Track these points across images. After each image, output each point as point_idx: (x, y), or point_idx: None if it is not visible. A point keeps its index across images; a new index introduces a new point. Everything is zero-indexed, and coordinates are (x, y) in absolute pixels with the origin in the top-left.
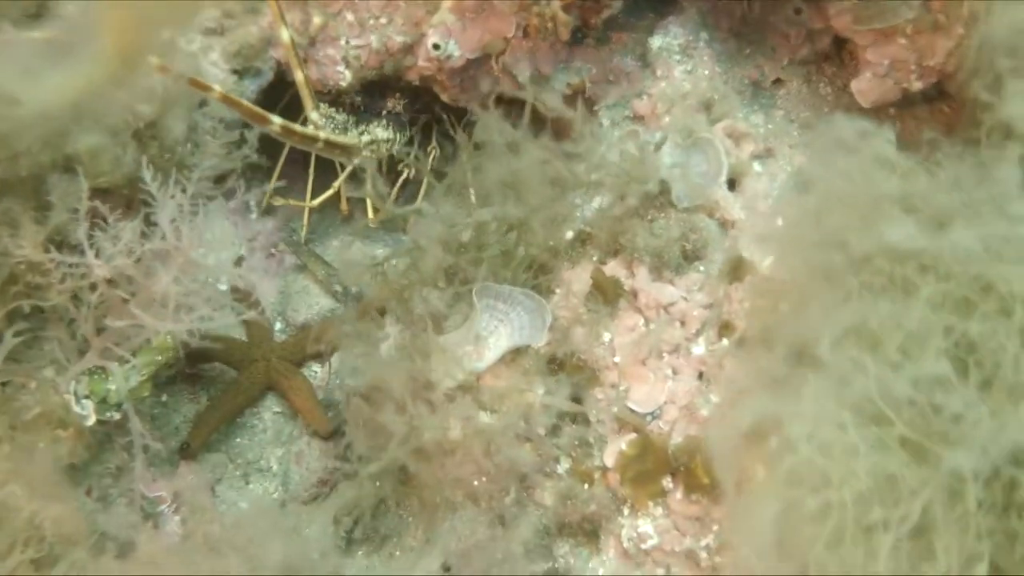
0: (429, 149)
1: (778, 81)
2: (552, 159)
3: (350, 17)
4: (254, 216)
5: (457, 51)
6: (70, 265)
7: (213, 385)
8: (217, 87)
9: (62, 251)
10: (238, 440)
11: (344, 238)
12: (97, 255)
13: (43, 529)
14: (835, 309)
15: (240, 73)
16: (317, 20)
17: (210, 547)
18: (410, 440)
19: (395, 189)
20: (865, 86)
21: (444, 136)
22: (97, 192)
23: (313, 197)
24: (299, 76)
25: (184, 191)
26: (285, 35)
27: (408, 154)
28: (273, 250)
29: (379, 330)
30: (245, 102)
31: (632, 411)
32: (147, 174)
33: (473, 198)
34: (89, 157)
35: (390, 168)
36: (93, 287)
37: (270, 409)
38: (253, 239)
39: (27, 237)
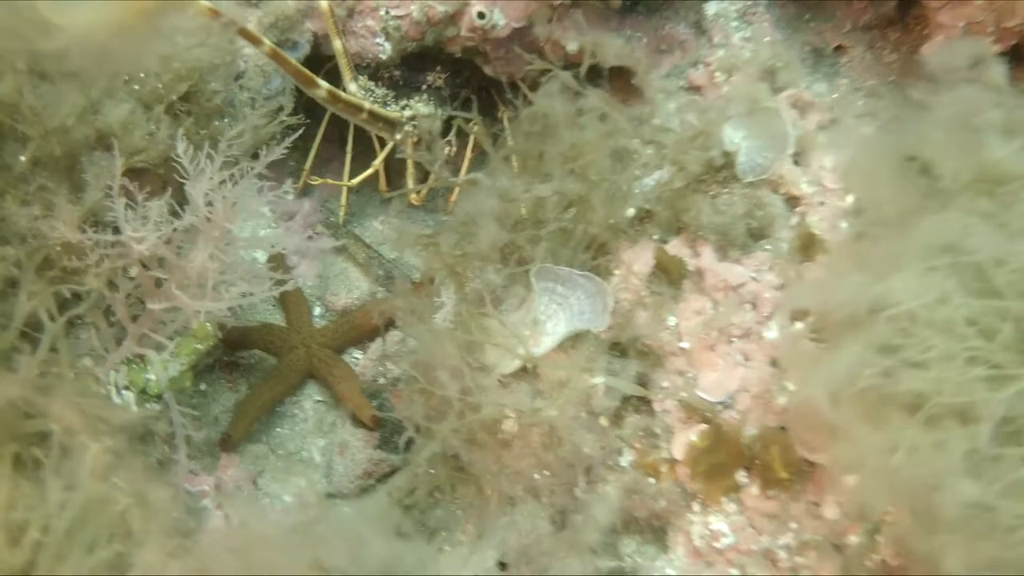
0: (471, 125)
1: (840, 48)
2: (615, 126)
3: None
4: (291, 196)
5: (502, 20)
6: (107, 245)
7: (252, 373)
8: (267, 40)
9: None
10: (278, 430)
11: (385, 219)
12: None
13: (131, 523)
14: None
15: (276, 45)
16: None
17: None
18: (465, 416)
19: (436, 165)
20: (935, 50)
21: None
22: (130, 172)
23: (351, 176)
24: (337, 45)
25: (214, 162)
26: (324, 3)
27: (449, 129)
28: (310, 231)
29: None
30: (293, 60)
31: (702, 399)
32: (180, 146)
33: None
34: (123, 130)
35: (430, 144)
36: (128, 269)
37: (311, 397)
38: (290, 219)
39: (63, 217)
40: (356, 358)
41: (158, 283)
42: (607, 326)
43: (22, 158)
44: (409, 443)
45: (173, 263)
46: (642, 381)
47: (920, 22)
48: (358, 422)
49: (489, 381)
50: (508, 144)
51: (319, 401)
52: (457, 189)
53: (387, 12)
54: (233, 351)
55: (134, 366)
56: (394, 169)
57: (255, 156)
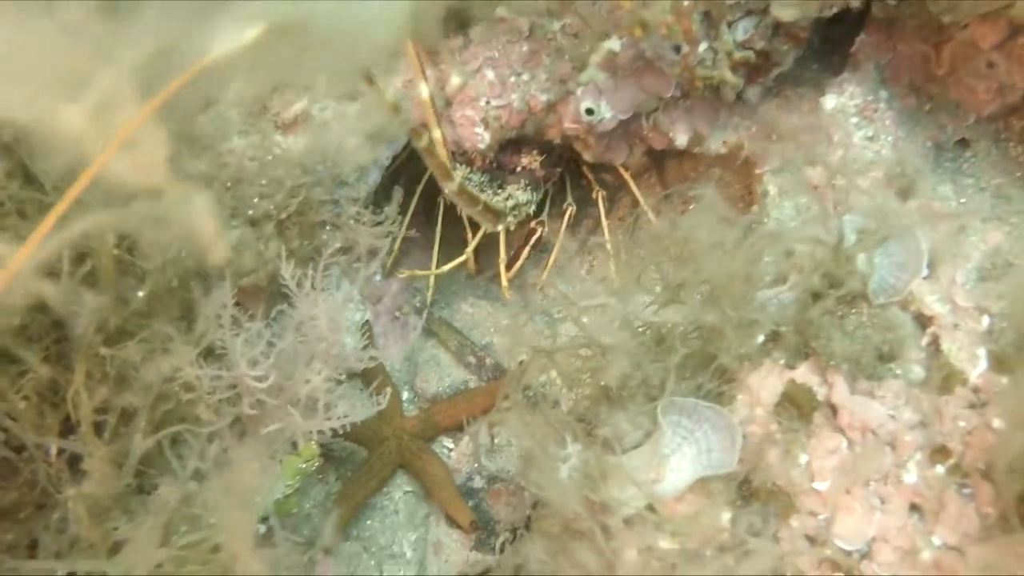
0: (564, 206)
1: (962, 141)
2: (754, 250)
3: (490, 75)
4: (378, 278)
5: (609, 113)
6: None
7: (342, 465)
8: (437, 132)
9: (208, 361)
10: (368, 523)
11: (475, 301)
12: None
13: None
14: None
15: (374, 139)
16: (455, 80)
17: None
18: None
19: (527, 249)
20: None
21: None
22: (238, 292)
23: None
24: (436, 135)
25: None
26: (424, 92)
27: (543, 210)
28: (398, 313)
29: (559, 447)
30: (443, 153)
31: (839, 548)
32: (286, 268)
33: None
34: (234, 253)
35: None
36: (237, 396)
37: (400, 488)
38: (378, 302)
39: (181, 355)
40: (447, 447)
41: (261, 402)
42: (736, 464)
43: (140, 294)
44: (505, 545)
45: (285, 386)
46: (771, 521)
47: None
48: (453, 522)
49: (612, 520)
50: (608, 239)
51: (408, 492)
52: (549, 265)
53: (488, 102)
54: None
55: None
56: (480, 250)
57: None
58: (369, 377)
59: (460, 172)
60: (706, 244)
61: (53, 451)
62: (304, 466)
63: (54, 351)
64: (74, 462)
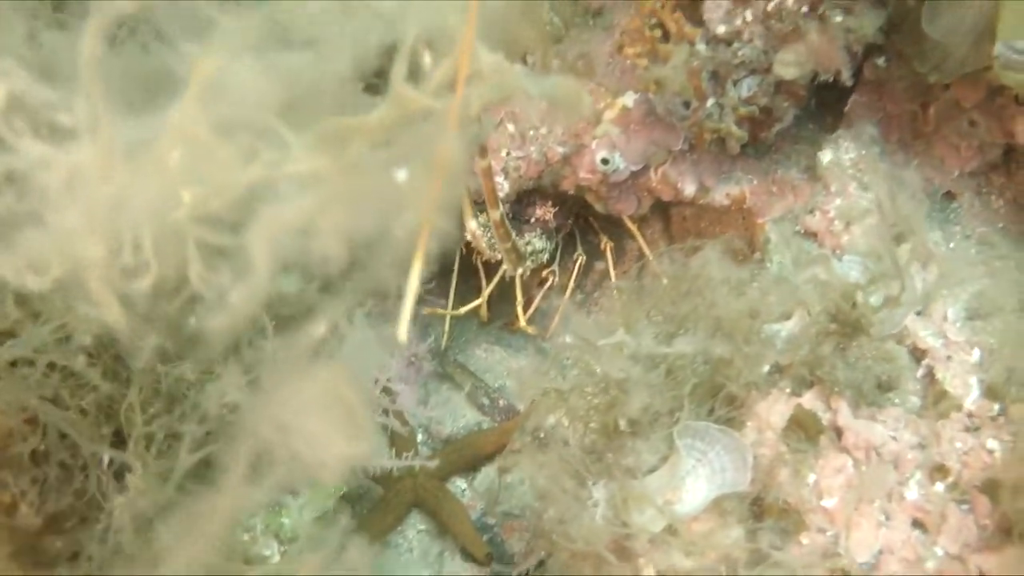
0: (575, 256)
1: (948, 193)
2: (761, 290)
3: (511, 128)
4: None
5: (623, 164)
6: None
7: (357, 503)
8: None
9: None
10: (382, 562)
11: (488, 346)
12: None
13: None
14: None
15: None
16: None
17: None
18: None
19: (540, 296)
20: None
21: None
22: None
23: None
24: (480, 166)
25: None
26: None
27: (555, 259)
28: (412, 357)
29: (582, 488)
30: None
31: (850, 560)
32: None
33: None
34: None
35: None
36: None
37: (414, 527)
38: (393, 346)
39: (228, 380)
40: (460, 487)
41: None
42: (748, 483)
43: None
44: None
45: None
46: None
47: (1022, 167)
48: (469, 556)
49: (637, 544)
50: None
51: (422, 530)
52: (559, 315)
53: (509, 153)
54: None
55: (271, 509)
56: (492, 302)
57: None
58: (399, 445)
59: (482, 219)
60: (717, 280)
61: (105, 460)
62: (333, 490)
63: (111, 366)
64: (120, 476)
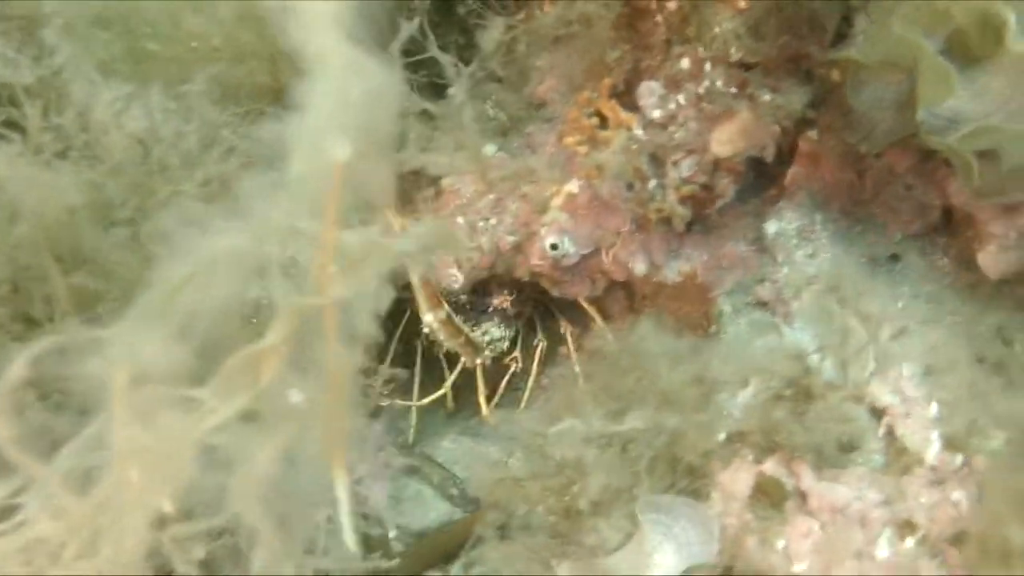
0: (536, 342)
1: (893, 256)
2: (704, 360)
3: (461, 220)
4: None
5: (572, 248)
6: None
7: None
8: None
9: None
10: None
11: (455, 437)
12: None
13: None
14: None
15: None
16: None
17: None
18: None
19: (502, 386)
20: (990, 261)
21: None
22: None
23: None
24: (414, 279)
25: None
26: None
27: (514, 347)
28: (381, 453)
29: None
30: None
31: None
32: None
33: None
34: None
35: (495, 359)
36: None
37: None
38: (362, 443)
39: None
40: None
41: None
42: (716, 554)
43: None
44: None
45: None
46: None
47: (964, 227)
48: None
49: None
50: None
51: None
52: (525, 399)
53: None
54: None
55: None
56: (457, 391)
57: None
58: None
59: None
60: (656, 353)
61: None
62: None
63: None
64: None
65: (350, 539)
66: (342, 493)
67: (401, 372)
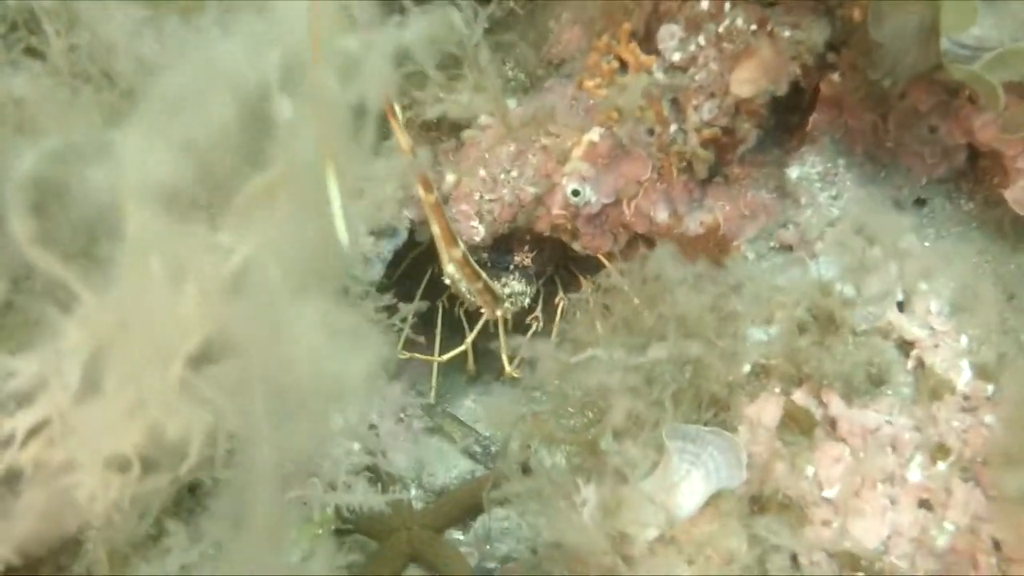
0: (557, 300)
1: (919, 200)
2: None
3: (482, 172)
4: (380, 381)
5: (594, 196)
6: None
7: (351, 554)
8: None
9: None
10: None
11: (477, 397)
12: None
13: None
14: None
15: (377, 234)
16: (451, 177)
17: None
18: None
19: (524, 343)
20: (1020, 195)
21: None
22: None
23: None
24: (435, 229)
25: None
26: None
27: (537, 304)
28: (402, 415)
29: (574, 493)
30: (448, 218)
31: (861, 546)
32: None
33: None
34: None
35: (517, 322)
36: None
37: None
38: (381, 404)
39: None
40: (458, 538)
41: None
42: (744, 481)
43: None
44: None
45: None
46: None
47: (989, 173)
48: None
49: (635, 550)
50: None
51: None
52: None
53: (481, 196)
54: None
55: None
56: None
57: None
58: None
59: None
60: (674, 279)
61: None
62: (320, 532)
63: None
64: None
65: (342, 235)
66: (333, 190)
67: (422, 305)
